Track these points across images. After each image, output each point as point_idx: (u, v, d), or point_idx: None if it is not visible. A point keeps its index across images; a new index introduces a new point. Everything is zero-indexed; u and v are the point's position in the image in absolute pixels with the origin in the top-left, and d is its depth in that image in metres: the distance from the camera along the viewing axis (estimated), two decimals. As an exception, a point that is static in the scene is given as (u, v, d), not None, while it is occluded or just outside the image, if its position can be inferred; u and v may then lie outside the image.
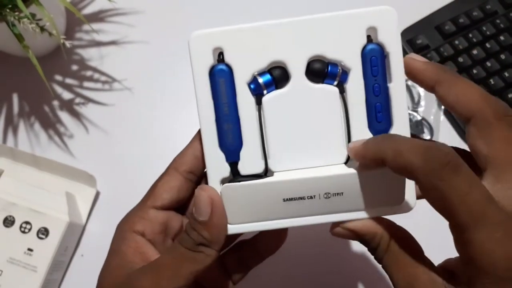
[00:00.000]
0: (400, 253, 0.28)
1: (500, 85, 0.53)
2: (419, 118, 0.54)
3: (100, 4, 0.62)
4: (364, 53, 0.30)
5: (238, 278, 0.37)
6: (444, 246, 0.29)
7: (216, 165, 0.31)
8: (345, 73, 0.31)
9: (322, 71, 0.30)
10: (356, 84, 0.31)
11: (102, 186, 0.53)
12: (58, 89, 0.58)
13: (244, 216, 0.30)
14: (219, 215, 0.29)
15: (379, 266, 0.29)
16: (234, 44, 0.30)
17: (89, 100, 0.57)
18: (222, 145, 0.31)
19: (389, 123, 0.31)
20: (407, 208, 0.30)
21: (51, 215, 0.48)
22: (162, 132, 0.56)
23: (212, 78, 0.30)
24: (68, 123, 0.56)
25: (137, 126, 0.56)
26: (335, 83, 0.31)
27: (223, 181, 0.31)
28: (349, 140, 0.31)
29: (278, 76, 0.30)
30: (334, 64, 0.30)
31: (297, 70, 0.30)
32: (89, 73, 0.59)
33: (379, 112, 0.30)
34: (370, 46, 0.30)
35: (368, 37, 0.30)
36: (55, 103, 0.57)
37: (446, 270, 0.28)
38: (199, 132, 0.32)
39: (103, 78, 0.58)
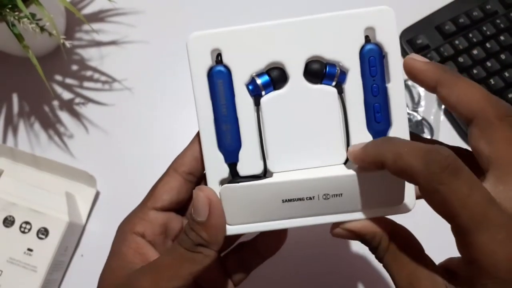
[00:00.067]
0: (401, 252, 0.28)
1: (500, 85, 0.53)
2: (419, 118, 0.54)
3: (100, 4, 0.62)
4: (362, 54, 0.30)
5: (240, 280, 0.37)
6: (444, 245, 0.29)
7: (215, 166, 0.31)
8: (343, 74, 0.30)
9: (320, 71, 0.30)
10: (354, 85, 0.31)
11: (102, 186, 0.53)
12: (58, 89, 0.58)
13: (243, 217, 0.30)
14: (217, 216, 0.29)
15: (379, 266, 0.29)
16: (232, 45, 0.30)
17: (89, 100, 0.57)
18: (221, 146, 0.31)
19: (388, 123, 0.31)
20: (406, 208, 0.30)
21: (51, 215, 0.48)
22: (162, 132, 0.56)
23: (210, 79, 0.30)
24: (68, 123, 0.56)
25: (137, 126, 0.56)
26: (333, 83, 0.31)
27: (222, 182, 0.31)
28: (348, 140, 0.31)
29: (276, 77, 0.30)
30: (332, 65, 0.30)
31: (295, 71, 0.30)
32: (89, 73, 0.59)
33: (377, 112, 0.30)
34: (368, 46, 0.30)
35: (366, 37, 0.30)
36: (55, 103, 0.57)
37: (447, 269, 0.28)
38: (199, 133, 0.32)
39: (103, 78, 0.58)
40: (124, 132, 0.56)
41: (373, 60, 0.30)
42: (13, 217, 0.48)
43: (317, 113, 0.31)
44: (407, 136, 0.31)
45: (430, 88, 0.30)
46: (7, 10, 0.45)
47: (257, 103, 0.31)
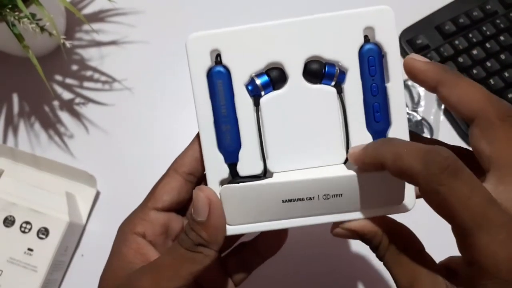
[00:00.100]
0: (401, 250, 0.28)
1: (500, 85, 0.53)
2: (419, 118, 0.54)
3: (100, 4, 0.62)
4: (361, 53, 0.30)
5: (240, 280, 0.37)
6: (444, 244, 0.29)
7: (215, 166, 0.31)
8: (342, 74, 0.30)
9: (319, 71, 0.30)
10: (353, 84, 0.31)
11: (102, 186, 0.53)
12: (58, 89, 0.58)
13: (244, 217, 0.30)
14: (217, 216, 0.29)
15: (380, 266, 0.29)
16: (231, 45, 0.30)
17: (89, 100, 0.57)
18: (221, 146, 0.31)
19: (387, 123, 0.31)
20: (406, 208, 0.30)
21: (51, 215, 0.48)
22: (162, 132, 0.56)
23: (209, 80, 0.31)
24: (68, 123, 0.56)
25: (137, 126, 0.56)
26: (333, 83, 0.31)
27: (222, 182, 0.31)
28: (347, 140, 0.31)
29: (275, 77, 0.30)
30: (332, 65, 0.30)
31: (294, 71, 0.30)
32: (89, 73, 0.59)
33: (377, 112, 0.30)
34: (368, 46, 0.30)
35: (366, 37, 0.30)
36: (55, 103, 0.57)
37: (448, 268, 0.28)
38: (199, 133, 0.32)
39: (103, 78, 0.59)
40: (124, 132, 0.56)
41: (372, 59, 0.30)
42: (13, 217, 0.48)
43: (316, 113, 0.31)
44: (406, 136, 0.31)
45: (431, 88, 0.30)
46: (7, 10, 0.45)
47: (256, 104, 0.31)
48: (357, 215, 0.30)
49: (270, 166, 0.31)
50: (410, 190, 0.30)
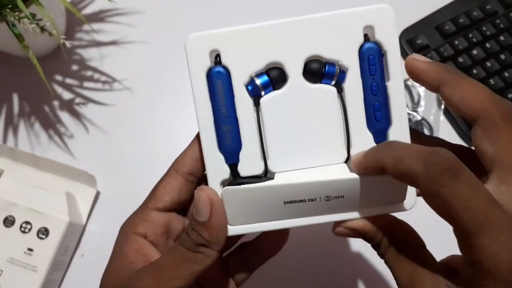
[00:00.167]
0: (402, 249, 0.28)
1: (500, 85, 0.53)
2: (419, 118, 0.54)
3: (100, 4, 0.62)
4: (361, 52, 0.30)
5: (242, 280, 0.37)
6: (445, 243, 0.29)
7: (216, 167, 0.31)
8: (342, 73, 0.30)
9: (319, 71, 0.30)
10: (354, 83, 0.30)
11: (102, 186, 0.53)
12: (58, 89, 0.58)
13: (245, 218, 0.30)
14: (218, 216, 0.29)
15: (381, 266, 0.29)
16: (230, 45, 0.30)
17: (89, 100, 0.57)
18: (221, 147, 0.31)
19: (388, 121, 0.31)
20: (407, 207, 0.30)
21: (51, 215, 0.48)
22: (162, 132, 0.56)
23: (209, 80, 0.30)
24: (68, 123, 0.56)
25: (137, 126, 0.56)
26: (333, 82, 0.31)
27: (223, 183, 0.31)
28: (348, 139, 0.31)
29: (275, 77, 0.30)
30: (332, 64, 0.30)
31: (294, 71, 0.30)
32: (89, 73, 0.59)
33: (377, 111, 0.30)
34: (367, 45, 0.30)
35: (365, 36, 0.30)
36: (55, 103, 0.57)
37: (448, 267, 0.28)
38: (199, 134, 0.32)
39: (103, 78, 0.59)
40: (124, 132, 0.56)
41: (372, 58, 0.30)
42: (13, 217, 0.48)
43: (317, 113, 0.31)
44: (407, 134, 0.31)
45: (433, 88, 0.30)
46: (7, 10, 0.45)
47: (256, 104, 0.31)
48: (358, 214, 0.30)
49: (271, 166, 0.31)
50: (411, 189, 0.30)
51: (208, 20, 0.60)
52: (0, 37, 0.51)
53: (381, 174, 0.26)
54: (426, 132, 0.54)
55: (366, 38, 0.30)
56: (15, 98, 0.58)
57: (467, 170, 0.24)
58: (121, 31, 0.61)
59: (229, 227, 0.30)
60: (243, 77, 0.30)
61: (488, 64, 0.54)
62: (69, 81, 0.58)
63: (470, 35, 0.55)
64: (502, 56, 0.54)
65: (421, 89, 0.56)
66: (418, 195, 0.30)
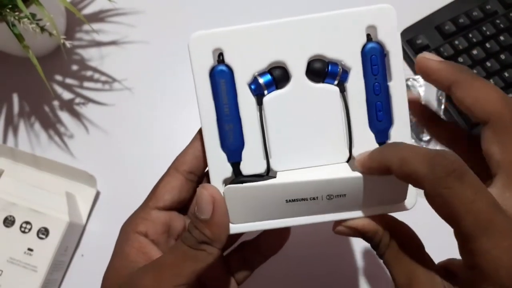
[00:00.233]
0: (401, 249, 0.28)
1: (500, 85, 0.53)
2: (419, 118, 0.54)
3: (100, 4, 0.62)
4: (364, 52, 0.30)
5: (243, 278, 0.37)
6: (444, 244, 0.29)
7: (218, 165, 0.31)
8: (345, 72, 0.30)
9: (322, 70, 0.30)
10: (356, 83, 0.31)
11: (102, 186, 0.53)
12: (58, 89, 0.58)
13: (247, 216, 0.30)
14: (220, 214, 0.29)
15: (380, 267, 0.29)
16: (234, 44, 0.30)
17: (89, 100, 0.57)
18: (224, 145, 0.31)
19: (389, 122, 0.31)
20: (407, 206, 0.30)
21: (51, 215, 0.48)
22: (162, 132, 0.56)
23: (212, 79, 0.31)
24: (68, 123, 0.56)
25: (137, 126, 0.56)
26: (336, 82, 0.31)
27: (226, 181, 0.31)
28: (350, 139, 0.31)
29: (278, 76, 0.30)
30: (334, 64, 0.30)
31: (297, 70, 0.30)
32: (89, 73, 0.59)
33: (379, 111, 0.30)
34: (370, 45, 0.30)
35: (368, 36, 0.30)
36: (55, 103, 0.57)
37: (447, 269, 0.28)
38: (199, 131, 0.33)
39: (103, 78, 0.58)
40: (124, 132, 0.56)
41: (374, 58, 0.30)
42: (13, 217, 0.48)
43: (319, 112, 0.31)
44: (409, 135, 0.31)
45: (445, 88, 0.29)
46: (7, 10, 0.45)
47: (259, 102, 0.31)
48: (359, 213, 0.30)
49: (273, 165, 0.31)
50: (411, 189, 0.30)
51: (208, 20, 0.60)
52: (0, 37, 0.51)
53: (385, 174, 0.26)
54: (426, 132, 0.54)
55: (369, 38, 0.30)
56: (15, 98, 0.58)
57: (471, 173, 0.24)
58: (121, 31, 0.61)
59: (230, 225, 0.30)
60: (246, 76, 0.30)
61: (488, 64, 0.54)
62: (69, 81, 0.58)
63: (470, 35, 0.55)
64: (502, 56, 0.54)
65: (421, 89, 0.56)
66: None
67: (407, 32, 0.57)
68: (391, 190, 0.29)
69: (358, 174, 0.29)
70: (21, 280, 0.46)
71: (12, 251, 0.47)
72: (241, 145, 0.31)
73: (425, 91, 0.55)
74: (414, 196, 0.30)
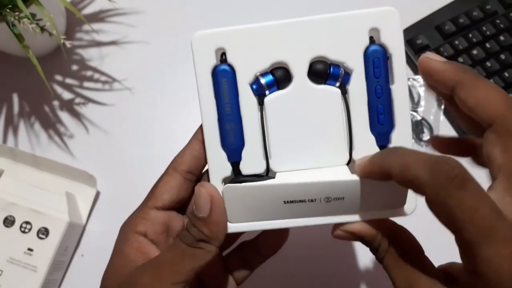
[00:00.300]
0: (400, 254, 0.28)
1: (500, 85, 0.53)
2: (419, 118, 0.54)
3: (100, 4, 0.62)
4: (366, 55, 0.30)
5: (242, 278, 0.37)
6: (445, 247, 0.29)
7: (218, 164, 0.31)
8: (347, 74, 0.30)
9: (324, 72, 0.30)
10: (358, 86, 0.30)
11: (102, 186, 0.53)
12: (58, 89, 0.58)
13: (245, 216, 0.30)
14: (218, 212, 0.29)
15: (380, 268, 0.29)
16: (236, 44, 0.30)
17: (89, 100, 0.57)
18: (224, 144, 0.31)
19: (391, 125, 0.31)
20: (407, 212, 0.30)
21: (51, 215, 0.48)
22: (162, 132, 0.56)
23: (214, 78, 0.31)
24: (68, 123, 0.56)
25: (137, 126, 0.56)
26: (337, 84, 0.31)
27: (225, 180, 0.31)
28: (350, 141, 0.31)
29: (280, 76, 0.30)
30: (337, 65, 0.30)
31: (299, 71, 0.30)
32: (89, 73, 0.59)
33: (381, 114, 0.30)
34: (373, 48, 0.30)
35: (371, 38, 0.30)
36: (55, 103, 0.57)
37: (447, 274, 0.28)
38: (197, 131, 0.33)
39: (103, 78, 0.58)
40: (124, 132, 0.56)
41: (377, 61, 0.30)
42: (13, 217, 0.48)
43: (320, 114, 0.31)
44: (410, 138, 0.31)
45: (448, 89, 0.29)
46: (7, 10, 0.45)
47: (260, 103, 0.31)
48: (357, 217, 0.30)
49: (272, 166, 0.31)
50: (411, 194, 0.30)
51: (208, 20, 0.60)
52: (0, 37, 0.51)
53: (386, 179, 0.26)
54: (426, 131, 0.54)
55: (372, 40, 0.30)
56: (15, 98, 0.58)
57: (473, 179, 0.23)
58: (121, 31, 0.61)
59: (228, 224, 0.31)
60: (248, 76, 0.31)
61: (488, 64, 0.54)
62: (69, 81, 0.58)
63: (470, 35, 0.55)
64: (502, 56, 0.54)
65: (421, 89, 0.56)
66: None
67: (407, 32, 0.57)
68: (391, 195, 0.29)
69: (357, 178, 0.28)
70: (21, 280, 0.46)
71: (12, 251, 0.47)
72: (241, 144, 0.31)
73: (425, 91, 0.55)
74: (414, 201, 0.30)
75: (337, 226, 0.30)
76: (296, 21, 0.30)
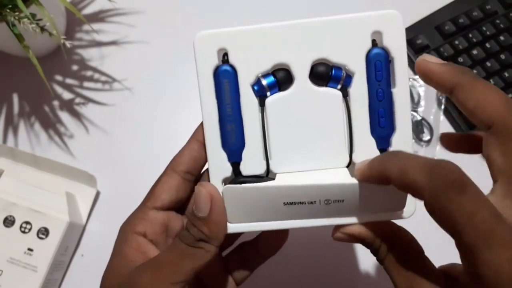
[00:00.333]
0: (401, 255, 0.28)
1: (500, 85, 0.53)
2: (419, 118, 0.54)
3: (100, 4, 0.62)
4: (368, 58, 0.30)
5: (242, 279, 0.37)
6: (444, 248, 0.29)
7: (218, 164, 0.31)
8: (349, 77, 0.30)
9: (326, 74, 0.30)
10: (359, 89, 0.30)
11: (102, 186, 0.53)
12: (58, 89, 0.58)
13: (244, 216, 0.30)
14: (218, 212, 0.29)
15: (380, 269, 0.29)
16: (238, 45, 0.30)
17: (89, 100, 0.57)
18: (225, 145, 0.31)
19: (391, 128, 0.31)
20: (406, 215, 0.30)
21: (51, 215, 0.48)
22: (162, 132, 0.56)
23: (216, 79, 0.31)
24: (68, 123, 0.56)
25: (137, 126, 0.56)
26: (339, 86, 0.31)
27: (225, 180, 0.31)
28: (351, 144, 0.31)
29: (281, 78, 0.30)
30: (338, 68, 0.30)
31: (301, 73, 0.30)
32: (89, 73, 0.59)
33: (382, 117, 0.30)
34: (375, 51, 0.30)
35: (373, 41, 0.30)
36: (55, 103, 0.57)
37: (448, 275, 0.28)
38: (196, 131, 0.33)
39: (103, 78, 0.58)
40: (124, 132, 0.56)
41: (379, 64, 0.30)
42: (13, 217, 0.48)
43: (321, 116, 0.31)
44: (410, 142, 0.31)
45: (447, 91, 0.28)
46: (7, 10, 0.45)
47: (262, 104, 0.31)
48: (357, 219, 0.30)
49: (273, 167, 0.31)
50: (410, 197, 0.30)
51: (208, 20, 0.60)
52: (0, 37, 0.51)
53: (385, 183, 0.26)
54: (426, 132, 0.54)
55: (374, 43, 0.30)
56: (15, 98, 0.58)
57: (472, 183, 0.23)
58: (121, 31, 0.61)
59: (228, 224, 0.31)
60: (249, 77, 0.31)
61: (488, 64, 0.54)
62: (69, 81, 0.58)
63: (470, 35, 0.55)
64: (502, 56, 0.54)
65: (421, 89, 0.56)
66: None
67: (407, 32, 0.56)
68: (390, 198, 0.29)
69: (355, 181, 0.28)
70: (21, 280, 0.46)
71: (12, 251, 0.47)
72: (242, 145, 0.31)
73: (425, 91, 0.55)
74: (413, 204, 0.30)
75: (337, 228, 0.30)
76: (298, 23, 0.30)
